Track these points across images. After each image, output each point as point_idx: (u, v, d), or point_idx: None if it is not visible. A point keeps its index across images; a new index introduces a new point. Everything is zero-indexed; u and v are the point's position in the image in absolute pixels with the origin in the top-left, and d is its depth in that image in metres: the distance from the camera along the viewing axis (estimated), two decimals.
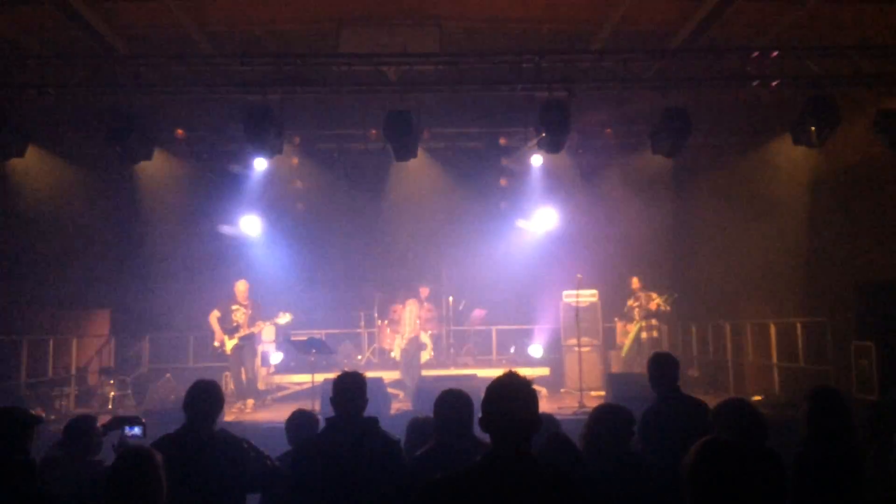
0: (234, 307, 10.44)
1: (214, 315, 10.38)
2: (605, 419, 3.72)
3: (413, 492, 3.02)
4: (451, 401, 3.67)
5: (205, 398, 3.88)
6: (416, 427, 4.36)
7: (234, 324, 10.38)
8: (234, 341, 10.31)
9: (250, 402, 10.22)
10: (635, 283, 11.75)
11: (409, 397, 10.21)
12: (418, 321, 11.18)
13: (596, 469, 3.57)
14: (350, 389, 3.77)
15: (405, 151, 9.63)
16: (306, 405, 9.49)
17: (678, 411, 4.52)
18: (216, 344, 10.39)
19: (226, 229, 12.75)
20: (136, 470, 2.89)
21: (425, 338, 12.03)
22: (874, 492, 3.67)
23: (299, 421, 4.61)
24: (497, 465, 2.36)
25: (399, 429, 4.35)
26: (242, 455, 3.78)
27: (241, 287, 10.61)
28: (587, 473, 3.51)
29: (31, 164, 10.65)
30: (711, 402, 4.44)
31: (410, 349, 11.12)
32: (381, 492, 3.43)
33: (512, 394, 2.45)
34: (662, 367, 4.84)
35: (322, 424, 3.92)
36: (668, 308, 11.45)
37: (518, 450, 2.37)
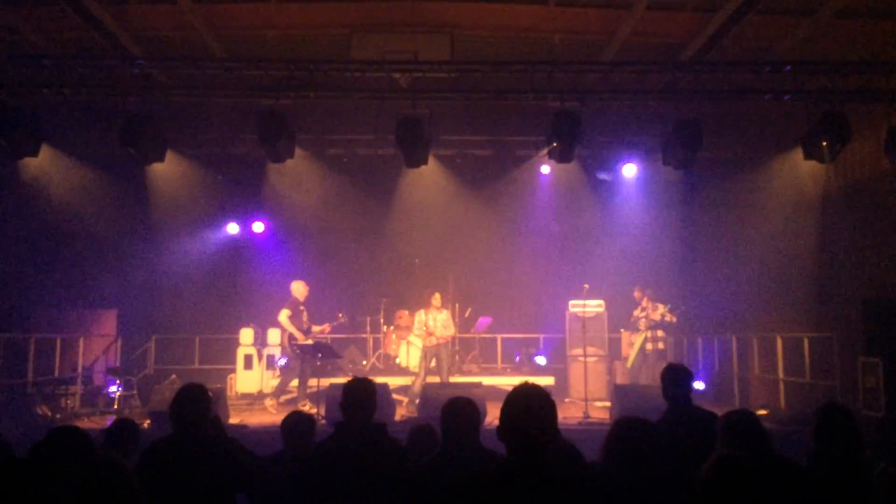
0: (300, 307, 10.59)
1: (286, 314, 10.45)
2: (629, 431, 3.67)
3: (423, 500, 3.01)
4: (459, 409, 3.66)
5: (191, 402, 3.90)
6: (418, 434, 4.36)
7: (307, 325, 10.58)
8: (309, 342, 10.48)
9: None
10: (637, 293, 11.74)
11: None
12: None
13: (615, 481, 3.54)
14: (360, 395, 3.77)
15: (416, 158, 9.64)
16: (312, 409, 9.57)
17: (689, 423, 4.50)
18: (299, 342, 10.49)
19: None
20: (107, 482, 2.86)
21: None
22: None
23: (295, 422, 4.60)
24: (514, 473, 2.35)
25: (404, 435, 4.36)
26: (233, 455, 3.79)
27: (303, 289, 10.73)
28: (605, 485, 3.49)
29: (44, 164, 10.73)
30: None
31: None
32: (388, 498, 3.43)
33: (532, 404, 2.44)
34: (676, 378, 4.82)
35: (321, 426, 3.91)
36: (674, 318, 11.43)
37: (534, 459, 2.36)
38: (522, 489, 2.29)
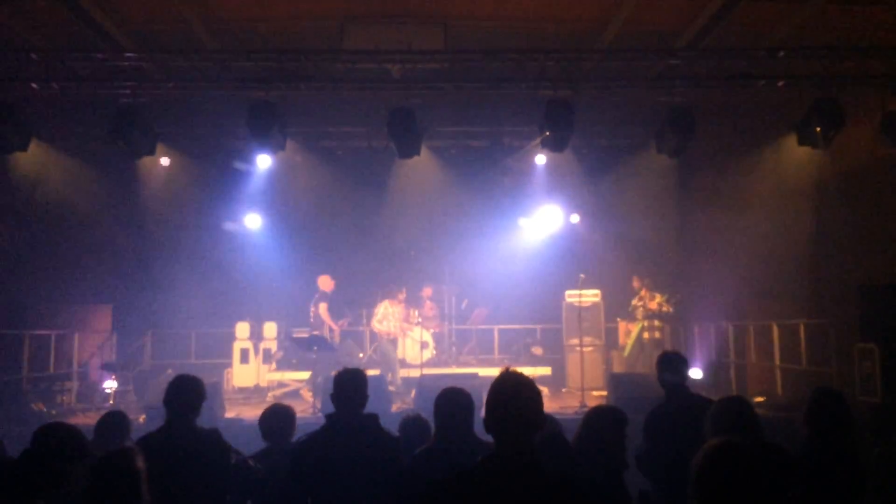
0: (331, 302, 11.07)
1: (325, 307, 10.92)
2: (596, 420, 3.70)
3: (415, 491, 2.98)
4: (452, 399, 3.65)
5: (185, 394, 3.88)
6: (409, 424, 4.35)
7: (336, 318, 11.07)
8: (304, 335, 10.80)
9: None
10: (636, 282, 11.74)
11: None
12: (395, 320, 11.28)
13: (585, 469, 3.55)
14: (351, 386, 3.76)
15: (408, 149, 9.61)
16: (308, 403, 9.56)
17: (685, 410, 4.49)
18: (334, 335, 10.90)
19: (229, 226, 12.77)
20: (117, 473, 2.85)
21: (427, 336, 12.02)
22: (877, 493, 3.65)
23: (273, 416, 4.56)
24: (500, 465, 2.31)
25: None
26: (223, 454, 3.76)
27: (330, 282, 11.17)
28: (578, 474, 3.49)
29: (35, 159, 10.66)
30: None
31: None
32: (380, 488, 3.41)
33: (516, 393, 2.38)
34: (671, 365, 4.80)
35: (318, 419, 3.89)
36: (670, 308, 11.44)
37: (521, 450, 2.32)
38: (511, 479, 2.26)
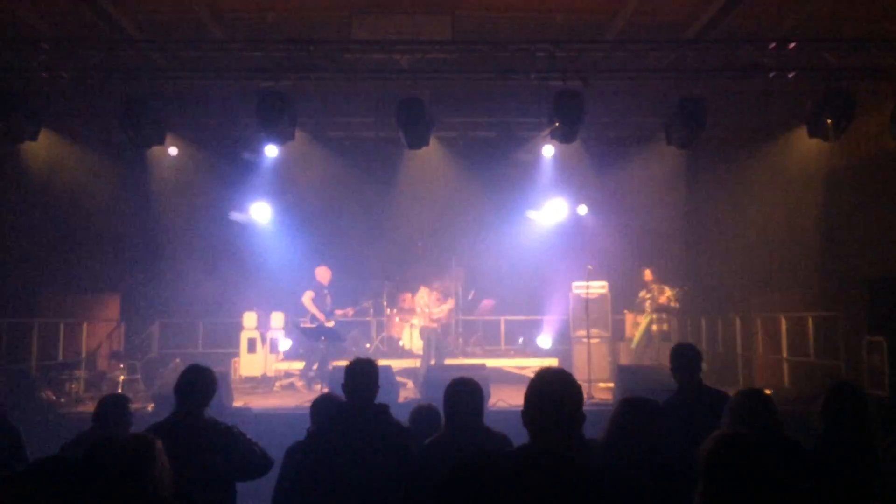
0: (324, 291, 10.98)
1: (309, 296, 10.83)
2: (634, 412, 3.64)
3: (427, 482, 2.97)
4: (463, 389, 3.65)
5: (196, 383, 3.89)
6: (420, 415, 4.35)
7: (329, 307, 10.97)
8: (331, 324, 10.84)
9: None
10: (648, 275, 11.70)
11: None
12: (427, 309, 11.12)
13: (617, 461, 3.51)
14: (362, 376, 3.75)
15: (417, 139, 9.57)
16: (302, 394, 9.57)
17: (699, 403, 4.47)
18: (322, 323, 10.80)
19: (236, 216, 12.78)
20: (137, 459, 2.86)
21: None
22: (885, 488, 3.64)
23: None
24: (535, 457, 2.30)
25: (407, 417, 4.35)
26: (231, 442, 3.77)
27: (326, 273, 11.12)
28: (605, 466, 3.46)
29: (44, 148, 10.69)
30: None
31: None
32: (391, 478, 3.42)
33: (560, 390, 2.37)
34: (684, 358, 4.78)
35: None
36: (678, 304, 11.41)
37: (559, 445, 2.31)
38: (545, 472, 2.23)
